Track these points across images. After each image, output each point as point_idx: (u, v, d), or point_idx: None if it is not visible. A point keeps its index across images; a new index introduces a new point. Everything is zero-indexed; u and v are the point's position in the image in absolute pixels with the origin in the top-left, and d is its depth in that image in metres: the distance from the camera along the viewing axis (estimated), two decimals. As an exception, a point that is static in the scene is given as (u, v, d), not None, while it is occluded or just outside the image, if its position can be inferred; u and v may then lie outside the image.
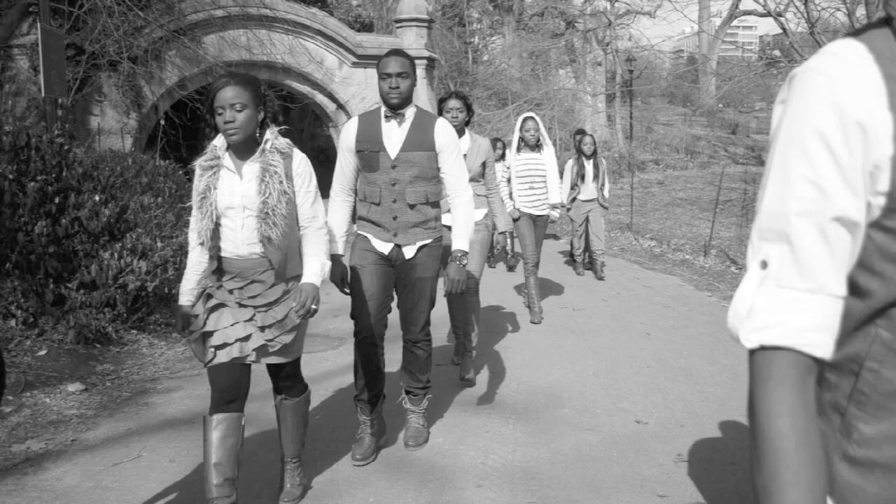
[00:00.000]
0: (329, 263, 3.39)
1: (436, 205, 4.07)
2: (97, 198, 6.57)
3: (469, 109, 5.28)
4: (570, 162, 9.81)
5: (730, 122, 38.19)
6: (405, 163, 3.91)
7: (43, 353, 5.50)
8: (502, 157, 9.14)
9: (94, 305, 5.95)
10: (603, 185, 9.77)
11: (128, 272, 6.23)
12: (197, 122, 13.36)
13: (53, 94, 7.66)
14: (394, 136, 3.93)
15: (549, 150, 7.14)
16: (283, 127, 3.35)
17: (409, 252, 4.00)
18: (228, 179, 3.18)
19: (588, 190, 9.62)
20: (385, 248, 4.00)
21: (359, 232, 4.10)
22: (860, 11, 16.56)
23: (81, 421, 4.59)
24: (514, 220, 6.83)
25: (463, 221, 4.01)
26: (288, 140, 3.30)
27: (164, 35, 13.22)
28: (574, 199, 9.62)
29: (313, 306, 3.20)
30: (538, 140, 7.05)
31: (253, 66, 14.87)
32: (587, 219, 9.71)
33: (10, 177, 6.02)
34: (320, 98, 16.37)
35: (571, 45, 31.41)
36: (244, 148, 3.18)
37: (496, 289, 8.71)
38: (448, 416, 4.69)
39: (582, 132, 10.93)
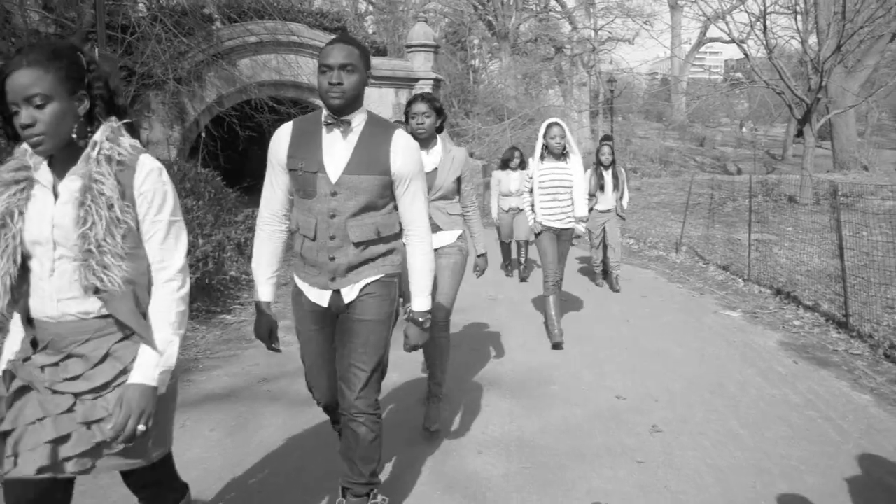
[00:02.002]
0: (175, 342, 1.93)
1: (392, 238, 2.74)
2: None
3: (439, 113, 3.91)
4: (589, 172, 8.13)
5: (698, 136, 38.15)
6: (349, 189, 2.56)
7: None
8: (521, 165, 8.61)
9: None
10: (622, 195, 8.39)
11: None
12: (233, 134, 13.38)
13: (108, 110, 7.63)
14: (336, 152, 2.58)
15: (575, 159, 5.76)
16: (128, 120, 2.00)
17: (349, 294, 2.69)
18: (42, 200, 1.89)
19: (606, 200, 8.23)
20: (322, 297, 2.71)
21: (294, 276, 2.83)
22: (812, 39, 16.50)
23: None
24: (536, 235, 5.80)
25: (421, 275, 2.74)
26: (134, 142, 1.96)
27: (204, 59, 13.21)
28: (591, 210, 8.05)
29: (140, 426, 1.83)
30: (564, 148, 5.70)
31: (282, 85, 14.90)
32: (604, 230, 8.32)
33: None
34: (340, 114, 16.34)
35: (560, 67, 31.38)
36: (63, 156, 1.90)
37: (511, 298, 8.68)
38: (450, 391, 4.67)
39: (607, 138, 9.18)
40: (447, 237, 4.01)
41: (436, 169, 3.86)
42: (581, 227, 5.88)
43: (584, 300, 7.71)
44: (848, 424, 4.12)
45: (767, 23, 15.66)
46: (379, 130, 2.62)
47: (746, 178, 15.31)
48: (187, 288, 2.00)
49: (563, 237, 5.84)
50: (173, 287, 1.94)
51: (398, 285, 2.84)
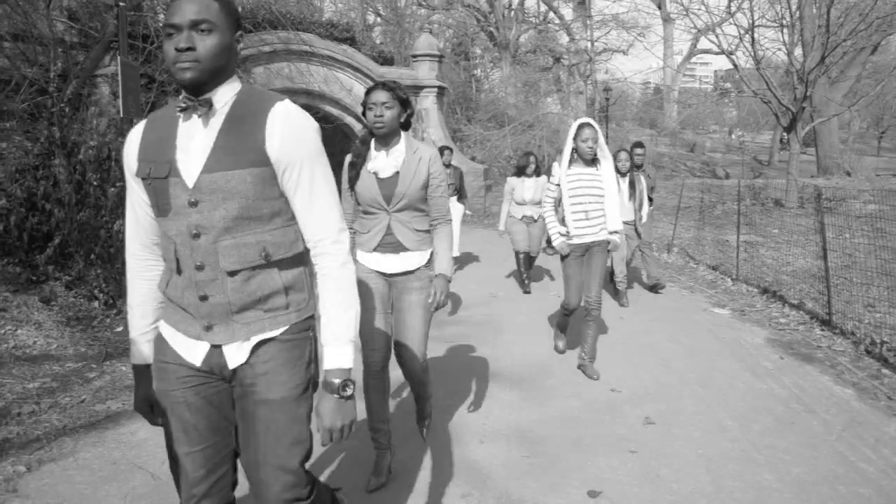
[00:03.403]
0: None
1: (292, 262, 1.81)
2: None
3: (404, 105, 3.04)
4: None
5: (689, 142, 38.09)
6: (214, 194, 1.70)
7: (120, 329, 5.51)
8: (536, 172, 7.66)
9: (162, 290, 5.94)
10: (640, 205, 7.29)
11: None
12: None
13: (130, 115, 7.64)
14: (194, 146, 1.73)
15: (607, 164, 4.75)
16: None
17: (235, 355, 1.78)
18: None
19: (623, 211, 7.09)
20: (194, 353, 1.80)
21: (161, 320, 1.90)
22: (798, 51, 16.47)
23: (152, 385, 4.58)
24: (563, 258, 4.80)
25: (339, 321, 1.77)
26: None
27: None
28: None
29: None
30: (596, 153, 4.67)
31: (294, 92, 14.91)
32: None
33: (95, 183, 6.05)
34: (349, 119, 16.35)
35: (558, 77, 31.34)
36: None
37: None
38: (453, 384, 4.67)
39: (638, 144, 7.82)
40: (414, 259, 3.12)
41: (397, 173, 3.03)
42: (616, 238, 4.81)
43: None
44: (831, 417, 4.11)
45: (755, 35, 15.65)
46: (252, 107, 1.75)
47: (735, 182, 15.29)
48: None
49: (596, 250, 4.77)
50: None
51: (312, 334, 1.88)
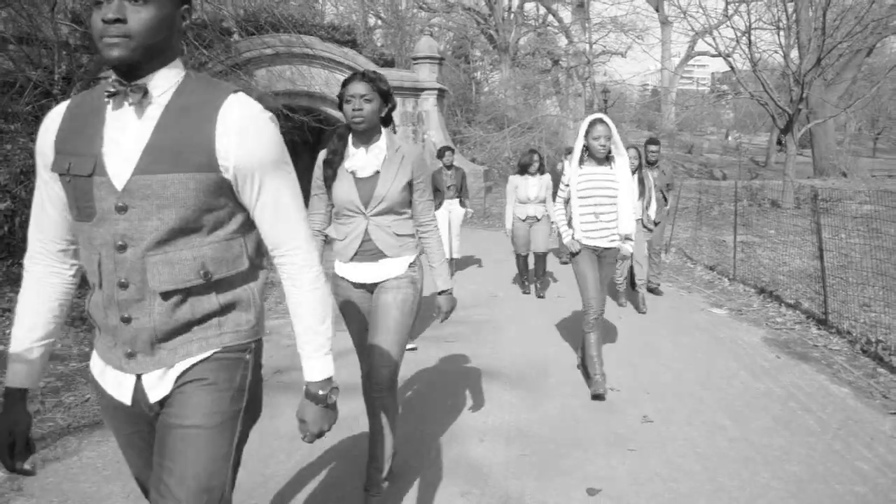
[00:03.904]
0: None
1: (234, 282, 1.54)
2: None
3: (385, 98, 2.72)
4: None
5: (686, 144, 38.06)
6: (146, 199, 1.41)
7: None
8: (540, 170, 7.45)
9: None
10: (648, 204, 7.05)
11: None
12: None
13: (133, 117, 7.63)
14: (126, 139, 1.42)
15: (622, 162, 4.42)
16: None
17: (157, 386, 1.50)
18: None
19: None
20: (122, 391, 1.53)
21: (93, 353, 1.61)
22: (794, 54, 16.47)
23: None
24: (573, 255, 4.53)
25: (318, 332, 1.61)
26: None
27: (223, 69, 13.19)
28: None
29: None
30: (609, 151, 4.38)
31: (295, 94, 14.92)
32: None
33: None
34: (350, 122, 16.34)
35: (557, 79, 31.33)
36: None
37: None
38: (454, 383, 4.67)
39: (653, 141, 7.46)
40: (395, 267, 2.81)
41: (377, 173, 2.72)
42: (628, 247, 4.52)
43: (579, 298, 7.68)
44: (827, 416, 4.10)
45: (752, 38, 15.65)
46: (199, 98, 1.46)
47: (732, 183, 15.28)
48: None
49: (606, 259, 4.51)
50: None
51: (251, 360, 1.61)
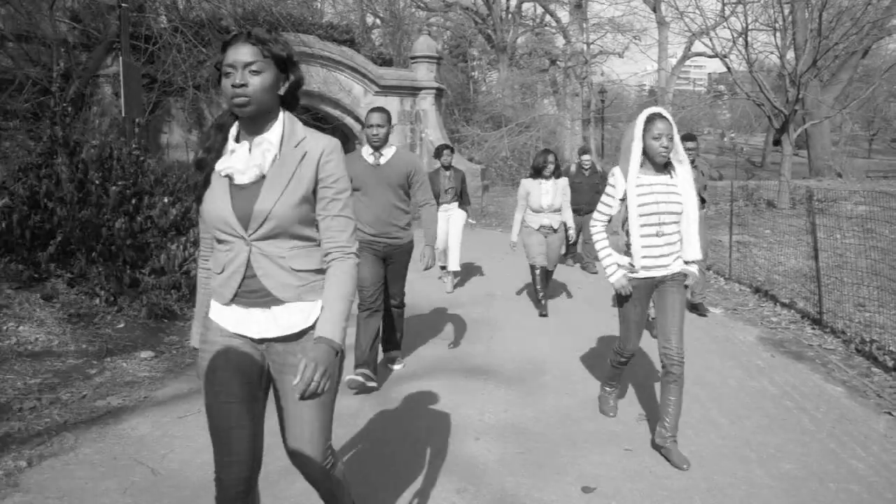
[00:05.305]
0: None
1: None
2: (166, 200, 6.57)
3: (285, 68, 1.98)
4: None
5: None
6: None
7: (121, 326, 5.49)
8: (555, 173, 6.53)
9: (162, 288, 5.94)
10: None
11: (191, 260, 6.22)
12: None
13: (132, 115, 7.64)
14: None
15: (683, 171, 3.45)
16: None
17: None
18: None
19: None
20: None
21: None
22: (790, 55, 16.48)
23: (152, 382, 4.57)
24: (623, 298, 3.60)
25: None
26: None
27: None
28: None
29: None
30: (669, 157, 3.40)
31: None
32: None
33: (96, 182, 6.04)
34: (348, 120, 16.33)
35: (554, 79, 31.31)
36: None
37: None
38: (450, 380, 4.66)
39: (689, 137, 6.25)
40: (296, 317, 1.98)
41: (263, 178, 1.94)
42: (695, 270, 3.54)
43: (575, 295, 7.69)
44: (821, 414, 4.11)
45: (748, 39, 15.65)
46: None
47: (728, 183, 15.28)
48: None
49: (671, 286, 3.52)
50: None
51: None
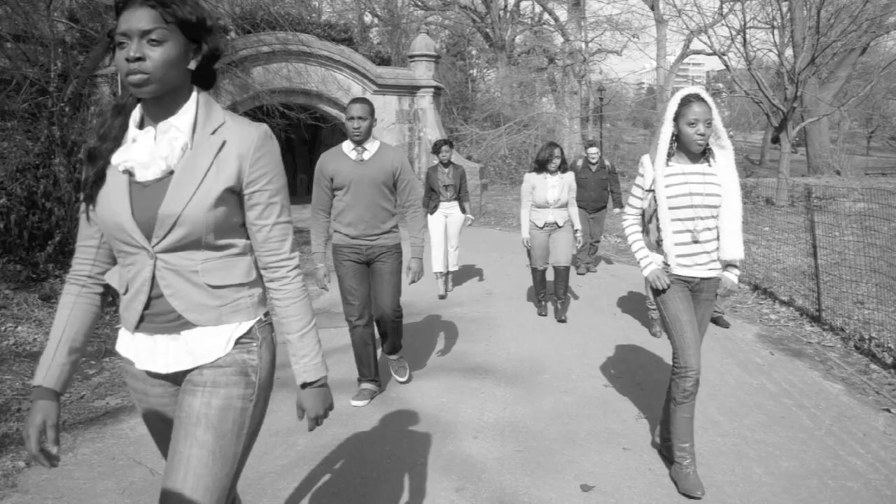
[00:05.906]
0: None
1: None
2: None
3: (195, 34, 1.56)
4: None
5: (682, 142, 38.09)
6: None
7: (119, 326, 5.49)
8: (561, 167, 6.29)
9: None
10: None
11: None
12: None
13: (129, 114, 7.61)
14: None
15: (724, 158, 3.10)
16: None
17: None
18: None
19: None
20: None
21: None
22: (788, 52, 16.48)
23: (151, 381, 4.56)
24: (659, 292, 3.18)
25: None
26: None
27: (219, 67, 13.17)
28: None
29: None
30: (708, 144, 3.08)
31: (292, 92, 14.89)
32: None
33: (94, 181, 6.03)
34: (347, 119, 16.31)
35: (553, 77, 31.30)
36: None
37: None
38: (449, 379, 4.66)
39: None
40: (211, 343, 1.61)
41: (171, 174, 1.57)
42: (733, 278, 3.18)
43: (573, 293, 7.69)
44: (820, 412, 4.11)
45: (747, 36, 15.66)
46: None
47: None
48: None
49: (703, 294, 3.19)
50: None
51: None
